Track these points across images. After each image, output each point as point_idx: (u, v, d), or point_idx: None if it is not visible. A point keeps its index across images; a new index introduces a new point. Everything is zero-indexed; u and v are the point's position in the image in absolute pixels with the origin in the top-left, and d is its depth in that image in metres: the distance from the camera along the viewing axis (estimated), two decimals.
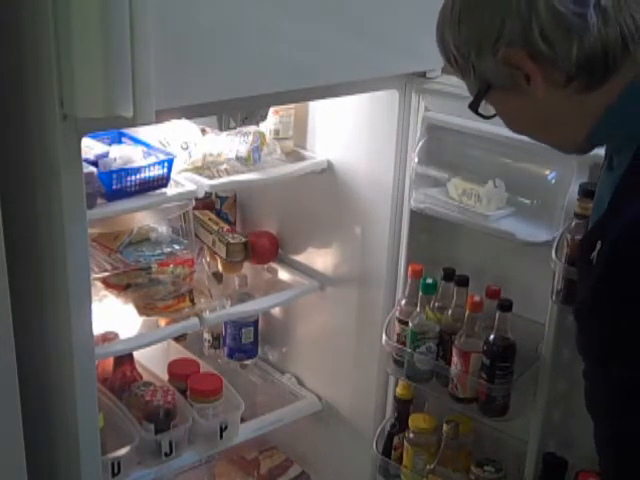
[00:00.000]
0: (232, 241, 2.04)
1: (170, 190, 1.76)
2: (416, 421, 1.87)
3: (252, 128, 1.93)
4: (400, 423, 1.93)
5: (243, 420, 2.00)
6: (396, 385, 1.94)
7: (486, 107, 1.13)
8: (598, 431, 1.09)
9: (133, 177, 1.67)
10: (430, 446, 1.86)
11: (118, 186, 1.66)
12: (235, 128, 1.95)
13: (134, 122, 1.26)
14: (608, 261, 0.98)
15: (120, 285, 1.83)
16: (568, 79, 1.02)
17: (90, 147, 1.70)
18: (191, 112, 1.56)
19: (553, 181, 1.61)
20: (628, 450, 1.03)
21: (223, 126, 1.98)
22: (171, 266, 1.88)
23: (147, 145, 1.80)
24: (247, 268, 2.14)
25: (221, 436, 1.90)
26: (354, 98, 1.78)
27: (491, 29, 1.02)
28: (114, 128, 1.74)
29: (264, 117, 1.98)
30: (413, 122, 1.79)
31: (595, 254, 1.02)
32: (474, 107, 1.11)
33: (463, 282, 1.72)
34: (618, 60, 1.01)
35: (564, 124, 1.09)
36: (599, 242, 1.02)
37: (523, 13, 0.99)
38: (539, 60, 1.01)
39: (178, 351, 2.12)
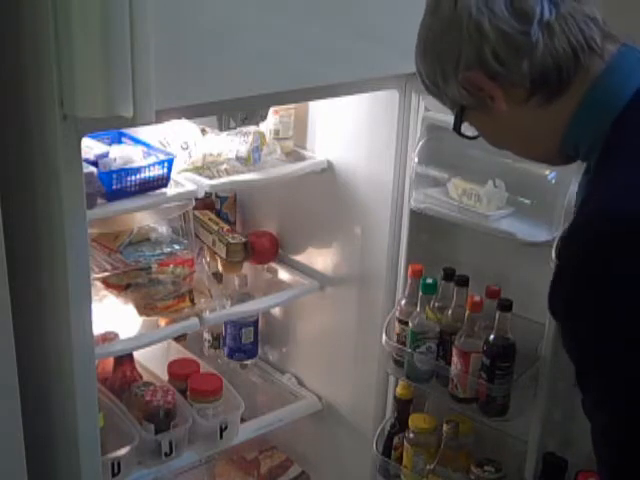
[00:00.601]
0: (232, 241, 2.04)
1: (170, 190, 1.76)
2: (416, 421, 1.87)
3: (252, 128, 1.93)
4: (400, 423, 1.93)
5: (243, 420, 2.00)
6: (396, 385, 1.94)
7: (471, 128, 1.19)
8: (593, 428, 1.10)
9: (133, 177, 1.67)
10: (430, 446, 1.86)
11: (118, 186, 1.66)
12: (235, 128, 1.96)
13: (134, 122, 1.26)
14: (564, 250, 1.03)
15: (120, 285, 1.83)
16: (528, 95, 1.08)
17: (90, 147, 1.70)
18: (191, 112, 1.56)
19: (553, 181, 1.61)
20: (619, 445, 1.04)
21: (223, 126, 1.99)
22: (171, 266, 1.88)
23: (147, 145, 1.80)
24: (247, 268, 2.14)
25: (221, 436, 1.90)
26: (354, 98, 1.78)
27: (450, 57, 1.09)
28: (114, 128, 1.73)
29: (264, 117, 1.98)
30: (413, 122, 1.79)
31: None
32: (456, 128, 1.17)
33: (463, 282, 1.72)
34: (572, 71, 1.06)
35: (535, 138, 1.14)
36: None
37: (474, 38, 1.06)
38: (496, 79, 1.07)
39: (178, 351, 2.12)
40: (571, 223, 1.02)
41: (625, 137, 1.04)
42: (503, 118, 1.12)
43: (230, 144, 1.91)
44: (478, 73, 1.08)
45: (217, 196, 2.18)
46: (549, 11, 1.04)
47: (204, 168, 1.88)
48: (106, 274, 1.81)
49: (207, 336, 2.23)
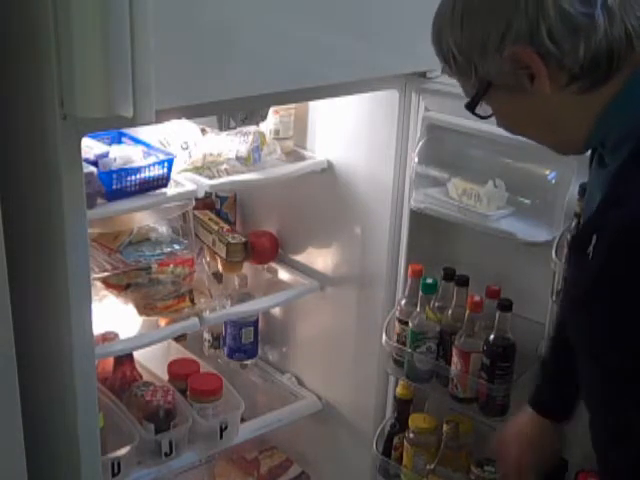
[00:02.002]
0: (232, 241, 2.04)
1: (170, 190, 1.76)
2: (416, 421, 1.87)
3: (252, 128, 1.93)
4: (400, 423, 1.93)
5: (243, 420, 2.00)
6: (396, 385, 1.94)
7: (482, 107, 1.12)
8: (596, 423, 1.10)
9: (133, 177, 1.67)
10: (430, 446, 1.86)
11: (118, 186, 1.66)
12: (235, 128, 1.96)
13: (134, 122, 1.26)
14: (610, 250, 0.98)
15: (120, 285, 1.83)
16: (571, 79, 1.03)
17: (90, 147, 1.70)
18: (191, 112, 1.56)
19: (553, 181, 1.61)
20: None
21: (223, 126, 1.99)
22: (171, 266, 1.88)
23: (147, 145, 1.80)
24: (247, 268, 2.15)
25: (221, 436, 1.90)
26: (354, 98, 1.78)
27: (497, 28, 1.01)
28: (114, 128, 1.73)
29: (264, 117, 1.98)
30: (413, 122, 1.79)
31: (591, 248, 1.02)
32: (472, 107, 1.11)
33: (463, 282, 1.72)
34: (622, 59, 1.02)
35: (565, 124, 1.09)
36: (594, 236, 1.02)
37: (531, 13, 0.99)
38: (546, 59, 1.01)
39: (178, 351, 2.12)
40: (623, 212, 0.97)
41: None
42: (536, 100, 1.06)
43: (230, 144, 1.91)
44: (527, 49, 1.01)
45: (217, 196, 2.18)
46: None
47: (204, 168, 1.88)
48: (106, 274, 1.81)
49: (207, 336, 2.23)
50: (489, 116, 1.14)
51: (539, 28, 0.99)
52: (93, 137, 1.73)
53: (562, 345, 1.39)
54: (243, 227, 2.25)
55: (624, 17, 1.00)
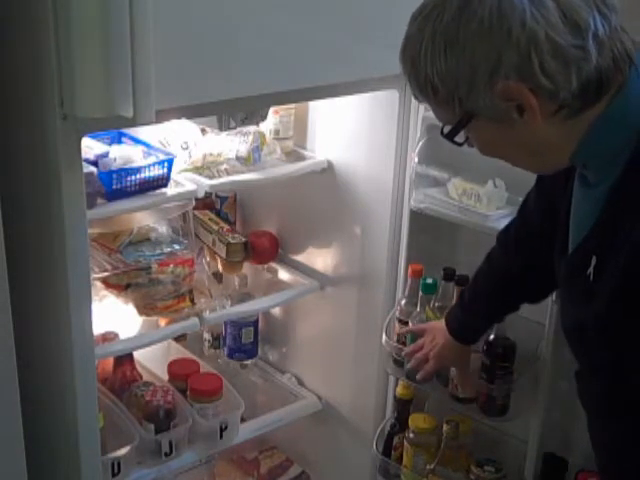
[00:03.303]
0: (232, 241, 2.04)
1: (170, 190, 1.75)
2: (416, 421, 1.87)
3: (252, 128, 1.93)
4: (400, 423, 1.93)
5: (243, 420, 2.00)
6: (396, 385, 1.94)
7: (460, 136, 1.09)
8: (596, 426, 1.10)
9: (133, 177, 1.67)
10: (430, 446, 1.85)
11: (118, 186, 1.66)
12: (235, 128, 1.96)
13: (134, 122, 1.26)
14: (630, 271, 0.99)
15: (120, 285, 1.83)
16: (560, 107, 1.01)
17: (90, 147, 1.70)
18: (191, 112, 1.56)
19: None
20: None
21: (223, 126, 1.99)
22: (171, 266, 1.87)
23: (147, 145, 1.80)
24: (247, 268, 2.14)
25: (221, 436, 1.90)
26: (354, 98, 1.78)
27: (487, 62, 0.99)
28: (114, 128, 1.74)
29: (264, 117, 1.98)
30: (413, 122, 1.79)
31: (591, 270, 1.03)
32: (451, 136, 1.07)
33: (463, 282, 1.72)
34: (610, 83, 1.02)
35: (549, 149, 1.08)
36: (594, 257, 1.03)
37: (523, 47, 0.97)
38: (537, 92, 0.99)
39: (178, 351, 2.12)
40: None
41: None
42: (522, 130, 1.04)
43: (230, 144, 1.91)
44: (518, 83, 0.99)
45: (217, 196, 2.17)
46: (602, 25, 0.98)
47: (204, 168, 1.88)
48: (106, 274, 1.81)
49: (207, 336, 2.23)
50: (464, 142, 1.11)
51: (531, 62, 0.97)
52: (93, 137, 1.72)
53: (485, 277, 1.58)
54: (243, 227, 2.25)
55: (612, 45, 1.00)
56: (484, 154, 1.13)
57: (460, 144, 1.10)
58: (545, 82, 0.98)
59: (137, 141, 1.82)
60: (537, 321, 1.68)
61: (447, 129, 1.08)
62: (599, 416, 1.18)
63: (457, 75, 1.01)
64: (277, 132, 2.01)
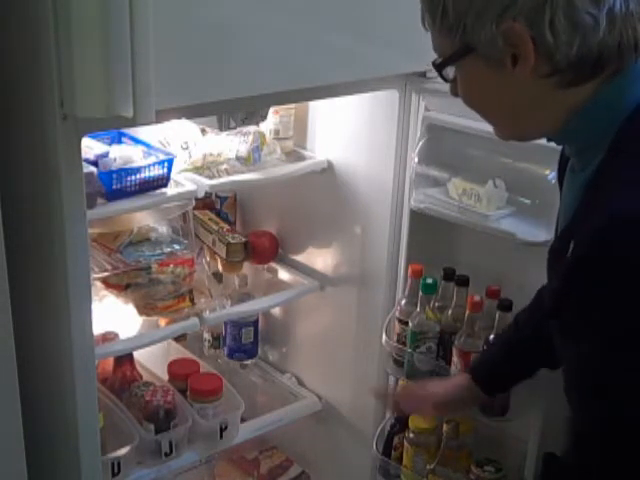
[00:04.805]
0: (232, 241, 2.04)
1: (170, 190, 1.76)
2: (416, 421, 1.87)
3: (252, 128, 1.93)
4: (400, 423, 1.93)
5: (243, 420, 2.00)
6: (396, 385, 1.94)
7: (449, 69, 1.09)
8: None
9: (133, 177, 1.67)
10: (430, 446, 1.85)
11: (118, 186, 1.66)
12: (235, 128, 1.96)
13: (134, 122, 1.26)
14: (584, 253, 0.97)
15: (120, 285, 1.83)
16: (553, 72, 1.01)
17: (90, 147, 1.70)
18: (191, 112, 1.56)
19: (553, 181, 1.61)
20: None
21: (223, 126, 1.99)
22: (171, 266, 1.88)
23: (147, 145, 1.80)
24: (247, 268, 2.14)
25: (221, 436, 1.90)
26: (354, 98, 1.78)
27: None
28: (114, 128, 1.74)
29: (264, 117, 1.98)
30: (413, 122, 1.79)
31: (570, 253, 1.01)
32: (442, 66, 1.07)
33: (463, 282, 1.72)
34: (606, 66, 1.01)
35: (529, 114, 1.07)
36: (572, 243, 1.01)
37: None
38: (537, 46, 0.99)
39: (178, 351, 2.12)
40: (596, 219, 0.96)
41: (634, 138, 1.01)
42: (510, 81, 1.03)
43: (230, 144, 1.91)
44: (524, 30, 0.98)
45: (217, 196, 2.18)
46: (620, 4, 0.98)
47: (204, 168, 1.88)
48: (106, 274, 1.81)
49: (207, 336, 2.23)
50: (452, 80, 1.10)
51: (543, 12, 0.96)
52: (93, 137, 1.73)
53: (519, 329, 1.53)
54: (243, 227, 2.25)
55: (622, 28, 0.99)
56: (466, 101, 1.11)
57: (447, 80, 1.09)
58: (548, 37, 0.97)
59: (137, 141, 1.82)
60: None
61: (440, 60, 1.07)
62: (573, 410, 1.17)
63: (472, 3, 1.00)
64: (277, 132, 2.01)
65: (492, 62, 1.02)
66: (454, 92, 1.11)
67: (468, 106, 1.12)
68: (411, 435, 1.87)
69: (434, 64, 1.08)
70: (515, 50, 1.00)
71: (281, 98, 1.68)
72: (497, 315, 1.66)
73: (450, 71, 1.08)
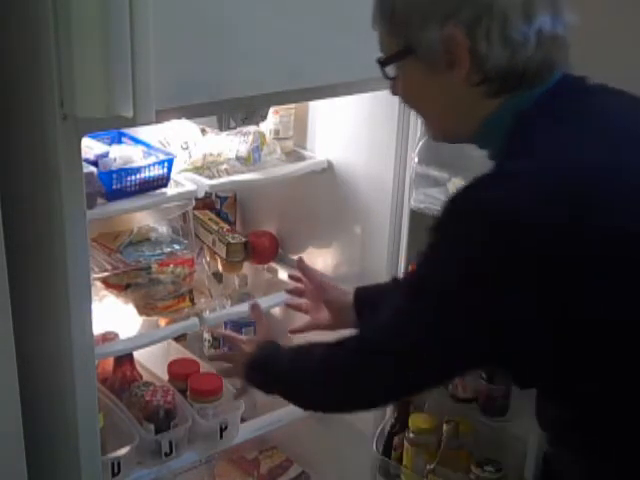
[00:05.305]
0: (232, 241, 2.04)
1: (170, 190, 1.75)
2: (416, 421, 1.87)
3: (252, 128, 1.93)
4: (400, 423, 1.93)
5: (243, 420, 2.00)
6: None
7: (391, 68, 1.17)
8: None
9: (133, 177, 1.67)
10: (430, 446, 1.86)
11: (118, 186, 1.66)
12: (235, 128, 1.95)
13: (134, 122, 1.26)
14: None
15: (120, 285, 1.83)
16: (483, 80, 1.08)
17: (90, 147, 1.70)
18: (191, 112, 1.56)
19: None
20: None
21: (223, 126, 1.98)
22: (171, 266, 1.88)
23: (147, 145, 1.80)
24: (247, 268, 2.14)
25: (221, 436, 1.89)
26: (354, 98, 1.78)
27: (447, 5, 1.06)
28: (114, 128, 1.74)
29: (264, 117, 1.98)
30: (413, 122, 1.79)
31: None
32: (385, 63, 1.15)
33: None
34: (529, 80, 1.08)
35: (459, 118, 1.14)
36: None
37: (480, 8, 1.05)
38: (472, 54, 1.06)
39: (178, 351, 2.12)
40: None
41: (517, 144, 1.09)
42: (444, 84, 1.11)
43: (230, 144, 1.91)
44: (462, 38, 1.06)
45: (217, 196, 2.17)
46: (550, 27, 1.07)
47: (204, 168, 1.88)
48: (106, 274, 1.81)
49: (207, 336, 2.22)
50: (393, 78, 1.17)
51: (481, 24, 1.05)
52: (93, 137, 1.73)
53: None
54: (243, 227, 2.25)
55: (547, 49, 1.07)
56: (404, 100, 1.20)
57: (388, 77, 1.17)
58: (483, 47, 1.06)
59: (137, 141, 1.82)
60: None
61: (383, 58, 1.16)
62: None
63: (418, 6, 1.08)
64: (277, 132, 2.01)
65: (430, 65, 1.10)
66: (394, 91, 1.20)
67: (406, 104, 1.22)
68: (411, 435, 1.87)
69: (378, 61, 1.16)
70: (452, 56, 1.08)
71: (281, 98, 1.68)
72: None
73: (392, 70, 1.16)
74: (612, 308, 1.00)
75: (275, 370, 1.35)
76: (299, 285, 1.69)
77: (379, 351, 1.13)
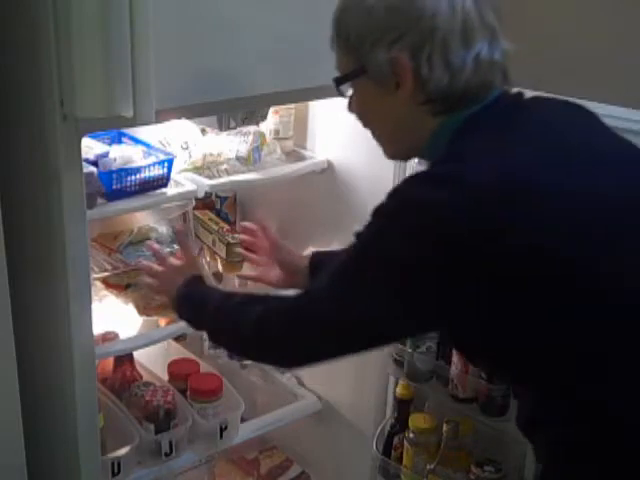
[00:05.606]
0: (232, 241, 2.04)
1: (170, 190, 1.75)
2: (416, 421, 1.87)
3: (252, 128, 1.93)
4: (400, 423, 1.93)
5: (243, 420, 2.00)
6: (396, 385, 1.94)
7: (346, 87, 1.25)
8: None
9: (133, 177, 1.67)
10: (430, 446, 1.86)
11: (118, 186, 1.66)
12: (235, 128, 1.95)
13: (134, 122, 1.26)
14: None
15: (120, 285, 1.83)
16: (427, 101, 1.17)
17: (90, 147, 1.70)
18: (191, 112, 1.56)
19: None
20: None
21: (223, 126, 1.98)
22: None
23: (147, 145, 1.80)
24: (247, 268, 2.14)
25: (221, 436, 1.90)
26: None
27: (395, 31, 1.15)
28: (114, 128, 1.74)
29: (264, 117, 1.98)
30: None
31: None
32: (340, 82, 1.23)
33: None
34: (471, 100, 1.17)
35: (408, 135, 1.23)
36: None
37: (423, 34, 1.13)
38: (415, 76, 1.15)
39: (178, 351, 2.12)
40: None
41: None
42: (393, 103, 1.19)
43: (230, 144, 1.91)
44: (407, 61, 1.14)
45: (217, 196, 2.17)
46: (487, 52, 1.16)
47: (204, 168, 1.88)
48: (106, 274, 1.81)
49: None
50: (350, 97, 1.26)
51: (423, 49, 1.14)
52: (93, 137, 1.73)
53: None
54: None
55: (485, 72, 1.16)
56: (359, 117, 1.28)
57: (343, 95, 1.25)
58: (425, 71, 1.14)
59: (137, 141, 1.82)
60: None
61: (338, 77, 1.24)
62: None
63: (369, 31, 1.17)
64: (277, 132, 2.01)
65: (380, 85, 1.19)
66: (349, 108, 1.28)
67: (360, 122, 1.29)
68: (411, 435, 1.87)
69: (334, 79, 1.24)
70: (398, 77, 1.16)
71: (281, 98, 1.68)
72: None
73: (346, 89, 1.25)
74: (512, 335, 1.11)
75: (206, 311, 1.39)
76: (249, 239, 1.72)
77: (308, 319, 1.22)
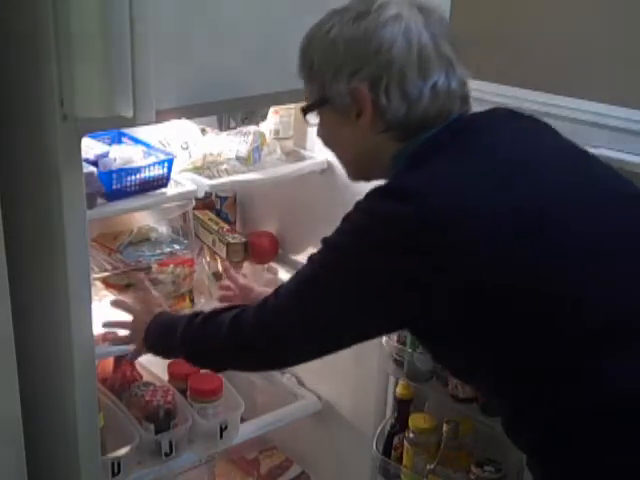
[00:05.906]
0: (232, 241, 2.04)
1: (170, 190, 1.75)
2: (416, 421, 1.87)
3: (252, 128, 1.93)
4: (400, 423, 1.93)
5: (243, 420, 2.00)
6: (396, 385, 1.94)
7: (313, 116, 1.32)
8: None
9: (133, 177, 1.67)
10: (430, 446, 1.85)
11: (118, 186, 1.66)
12: (235, 128, 1.95)
13: (134, 122, 1.26)
14: None
15: (120, 285, 1.83)
16: (387, 128, 1.23)
17: (90, 147, 1.70)
18: (191, 112, 1.56)
19: None
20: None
21: (223, 126, 1.98)
22: (171, 266, 1.88)
23: (147, 145, 1.80)
24: (247, 268, 2.14)
25: (221, 436, 1.90)
26: None
27: (354, 63, 1.20)
28: (114, 128, 1.74)
29: (264, 117, 1.98)
30: None
31: None
32: (305, 111, 1.31)
33: None
34: (427, 128, 1.21)
35: (368, 160, 1.28)
36: None
37: (381, 66, 1.19)
38: (375, 106, 1.21)
39: None
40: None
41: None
42: (355, 131, 1.25)
43: (230, 144, 1.91)
44: (366, 91, 1.20)
45: (217, 196, 2.17)
46: (443, 83, 1.20)
47: (204, 168, 1.88)
48: (106, 274, 1.81)
49: None
50: (315, 125, 1.33)
51: (381, 80, 1.19)
52: (93, 137, 1.73)
53: None
54: (243, 227, 2.25)
55: (442, 101, 1.21)
56: (324, 143, 1.35)
57: (309, 123, 1.33)
58: (383, 100, 1.20)
59: (137, 141, 1.82)
60: None
61: (304, 106, 1.31)
62: None
63: (331, 63, 1.23)
64: (277, 132, 2.01)
65: (342, 113, 1.25)
66: (317, 134, 1.35)
67: (327, 148, 1.36)
68: (411, 435, 1.87)
69: (301, 108, 1.31)
70: (359, 107, 1.22)
71: (281, 98, 1.67)
72: None
73: (312, 117, 1.32)
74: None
75: (179, 337, 1.41)
76: (228, 293, 1.75)
77: (277, 317, 1.28)
